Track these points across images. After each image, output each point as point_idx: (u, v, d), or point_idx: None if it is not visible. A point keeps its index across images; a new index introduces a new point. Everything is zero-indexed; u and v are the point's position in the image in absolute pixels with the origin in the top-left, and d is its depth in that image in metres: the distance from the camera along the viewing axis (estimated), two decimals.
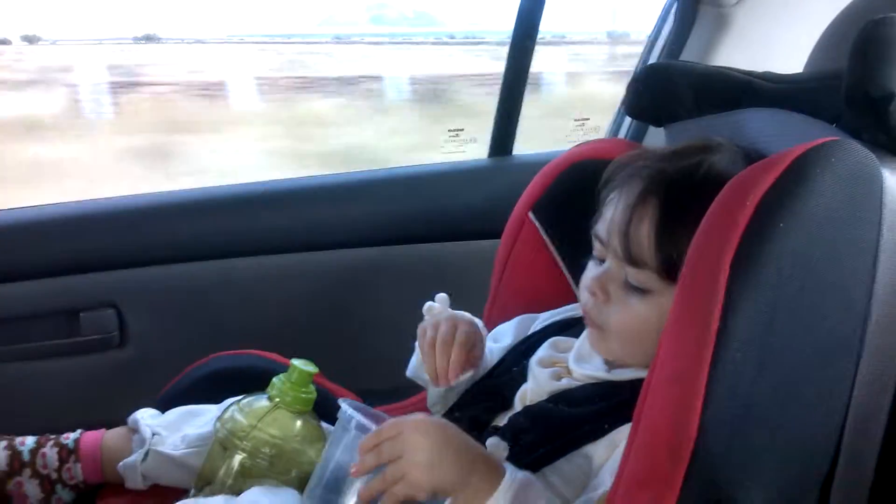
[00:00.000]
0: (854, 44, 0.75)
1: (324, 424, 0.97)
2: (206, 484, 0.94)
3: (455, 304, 1.17)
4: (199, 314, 1.46)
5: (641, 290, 0.82)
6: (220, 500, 0.86)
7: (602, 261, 0.87)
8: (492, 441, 0.89)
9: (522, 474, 0.76)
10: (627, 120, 1.57)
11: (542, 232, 1.15)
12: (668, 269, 0.79)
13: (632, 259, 0.81)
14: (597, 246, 0.88)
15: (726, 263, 0.64)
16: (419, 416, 0.79)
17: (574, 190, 1.12)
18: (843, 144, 0.70)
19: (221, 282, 1.47)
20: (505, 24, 1.52)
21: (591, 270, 0.89)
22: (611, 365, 0.89)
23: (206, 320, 1.47)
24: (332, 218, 1.52)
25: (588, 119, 1.65)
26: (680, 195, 0.80)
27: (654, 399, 0.66)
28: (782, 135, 0.87)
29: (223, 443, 0.92)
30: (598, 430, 0.82)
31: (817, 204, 0.66)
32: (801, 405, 0.68)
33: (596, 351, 0.90)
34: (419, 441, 0.75)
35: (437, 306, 1.02)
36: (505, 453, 0.88)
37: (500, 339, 1.08)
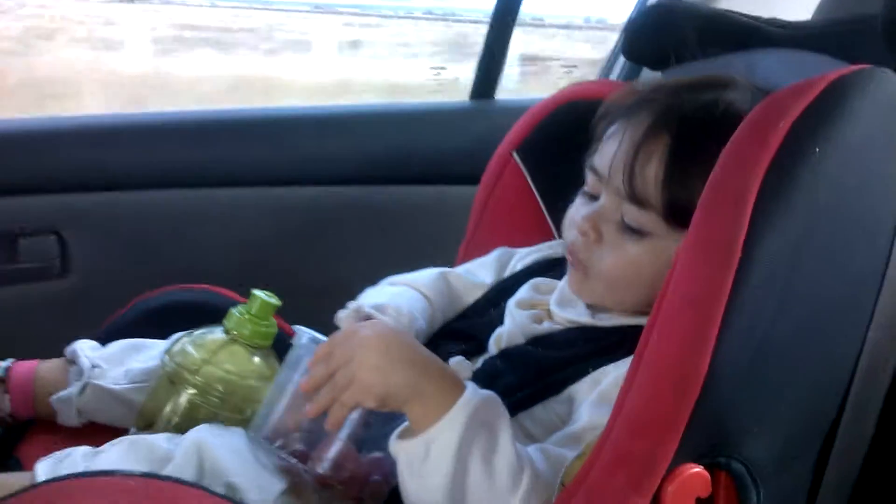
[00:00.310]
0: None
1: None
2: (148, 424, 0.86)
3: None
4: (151, 247, 1.37)
5: (639, 233, 0.76)
6: (162, 438, 0.77)
7: (594, 197, 0.81)
8: (455, 360, 0.84)
9: (486, 392, 0.70)
10: (619, 63, 1.50)
11: (525, 174, 1.09)
12: (674, 213, 0.74)
13: (635, 198, 0.76)
14: (591, 180, 0.82)
15: (754, 188, 0.58)
16: (374, 321, 0.72)
17: (563, 132, 1.07)
18: (881, 73, 0.65)
19: (177, 213, 1.38)
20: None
21: (582, 207, 0.83)
22: (595, 310, 0.84)
23: (158, 253, 1.37)
24: (302, 152, 1.43)
25: (576, 67, 1.57)
26: (694, 133, 0.75)
27: (664, 326, 0.60)
28: (802, 73, 0.81)
29: (171, 377, 0.84)
30: (580, 372, 0.77)
31: (854, 130, 0.61)
32: (819, 347, 0.64)
33: (577, 294, 0.84)
34: (371, 342, 0.69)
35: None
36: (468, 373, 0.82)
37: (475, 274, 1.02)
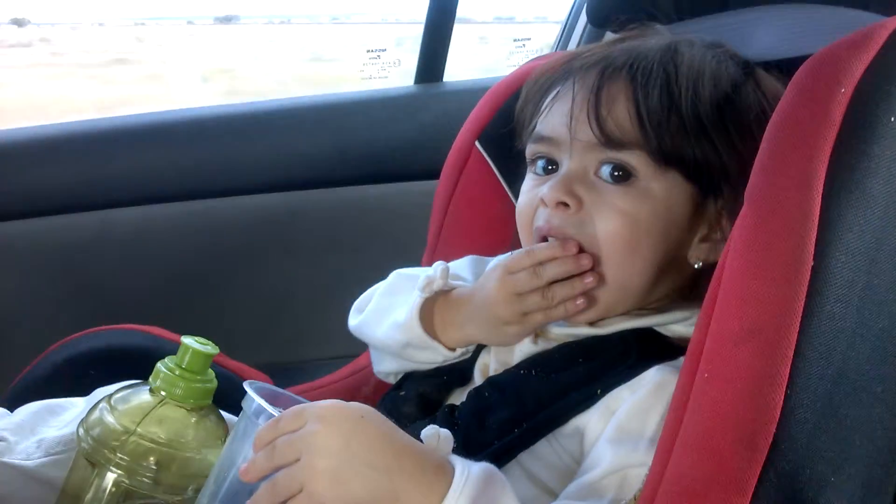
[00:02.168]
0: None
1: (228, 417, 0.74)
2: None
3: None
4: (63, 281, 1.23)
5: (623, 179, 0.69)
6: None
7: (550, 168, 0.73)
8: (429, 432, 0.68)
9: (478, 469, 0.56)
10: (576, 33, 1.39)
11: (490, 164, 0.99)
12: (661, 146, 0.67)
13: (612, 141, 0.68)
14: (542, 150, 0.74)
15: (821, 175, 0.46)
16: (330, 402, 0.58)
17: None
18: None
19: (91, 239, 1.24)
20: None
21: (540, 181, 0.73)
22: None
23: (72, 289, 1.23)
24: (230, 157, 1.30)
25: (529, 39, 1.45)
26: (652, 73, 0.69)
27: (714, 368, 0.48)
28: (820, 30, 0.70)
29: (90, 457, 0.69)
30: (588, 397, 0.67)
31: None
32: None
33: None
34: (324, 438, 0.55)
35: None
36: (449, 446, 0.67)
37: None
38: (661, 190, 0.68)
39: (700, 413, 0.48)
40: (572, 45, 1.40)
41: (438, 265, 0.79)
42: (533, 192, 0.73)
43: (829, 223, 0.45)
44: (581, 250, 0.69)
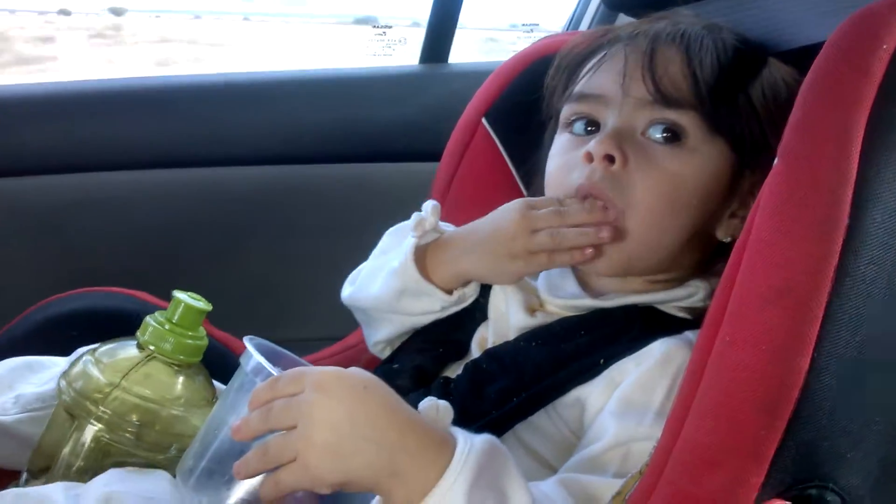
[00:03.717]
0: None
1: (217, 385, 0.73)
2: (45, 465, 0.69)
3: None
4: (50, 242, 1.20)
5: (673, 140, 0.68)
6: (56, 490, 0.60)
7: (590, 129, 0.72)
8: (426, 404, 0.65)
9: (480, 441, 0.54)
10: (588, 15, 1.38)
11: (497, 141, 0.97)
12: (716, 108, 0.67)
13: (667, 98, 0.68)
14: (583, 109, 0.73)
15: (859, 130, 0.44)
16: (331, 369, 0.55)
17: (536, 92, 0.93)
18: None
19: (81, 201, 1.20)
20: None
21: (579, 142, 0.71)
22: (591, 291, 0.74)
23: (59, 250, 1.20)
24: (229, 126, 1.27)
25: (537, 24, 1.44)
26: (703, 43, 0.69)
27: (737, 328, 0.46)
28: (847, 8, 0.68)
29: (70, 409, 0.66)
30: (590, 367, 0.65)
31: None
32: None
33: (604, 258, 0.69)
34: (324, 408, 0.52)
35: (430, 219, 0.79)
36: (449, 417, 0.65)
37: None
38: (708, 155, 0.68)
39: (719, 378, 0.46)
40: (583, 27, 1.38)
41: (428, 204, 0.78)
42: (570, 153, 0.72)
43: (866, 180, 0.44)
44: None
